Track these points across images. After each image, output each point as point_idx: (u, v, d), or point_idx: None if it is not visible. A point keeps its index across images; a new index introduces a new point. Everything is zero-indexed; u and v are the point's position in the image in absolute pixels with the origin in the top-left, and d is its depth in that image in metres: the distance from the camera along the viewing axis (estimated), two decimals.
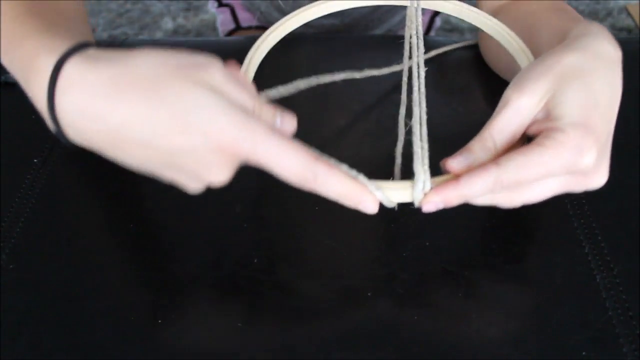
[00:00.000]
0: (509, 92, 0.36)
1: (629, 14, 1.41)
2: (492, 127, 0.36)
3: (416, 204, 0.36)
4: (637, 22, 1.36)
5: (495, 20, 0.48)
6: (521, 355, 0.37)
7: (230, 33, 0.89)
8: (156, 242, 0.44)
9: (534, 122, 0.36)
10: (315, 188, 0.34)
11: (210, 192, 0.46)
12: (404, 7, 0.83)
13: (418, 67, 0.41)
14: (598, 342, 0.37)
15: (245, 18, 0.88)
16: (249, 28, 0.89)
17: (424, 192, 0.35)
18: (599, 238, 0.43)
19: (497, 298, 0.40)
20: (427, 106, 0.55)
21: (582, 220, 0.44)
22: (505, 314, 0.38)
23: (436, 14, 0.91)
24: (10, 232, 0.45)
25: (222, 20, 0.90)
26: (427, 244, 0.43)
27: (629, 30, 1.63)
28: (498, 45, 0.55)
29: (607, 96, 0.36)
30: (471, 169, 0.34)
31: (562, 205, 0.45)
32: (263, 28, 0.84)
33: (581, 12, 1.66)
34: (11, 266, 0.42)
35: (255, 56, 0.48)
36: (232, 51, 0.63)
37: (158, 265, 0.42)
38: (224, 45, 0.66)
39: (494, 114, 0.36)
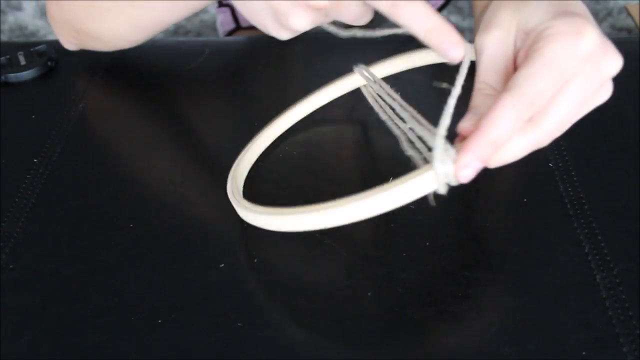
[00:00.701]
0: (477, 39, 0.36)
1: (629, 14, 1.41)
2: (481, 74, 0.35)
3: (451, 180, 0.32)
4: (637, 22, 1.36)
5: None
6: (521, 355, 0.37)
7: (230, 33, 0.89)
8: (156, 242, 0.44)
9: (519, 52, 0.35)
10: (400, 11, 0.33)
11: (209, 192, 0.46)
12: None
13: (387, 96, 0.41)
14: (598, 342, 0.37)
15: (246, 18, 0.88)
16: (250, 28, 0.89)
17: (452, 161, 0.31)
18: (599, 238, 0.43)
19: (497, 298, 0.40)
20: (426, 105, 0.55)
21: (582, 220, 0.44)
22: (505, 314, 0.38)
23: None
24: (10, 232, 0.45)
25: (222, 20, 0.90)
26: (427, 244, 0.43)
27: (629, 31, 1.63)
28: None
29: None
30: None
31: (562, 205, 0.45)
32: None
33: None
34: (11, 266, 0.42)
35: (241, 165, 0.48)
36: (232, 51, 0.63)
37: (158, 265, 0.42)
38: (224, 45, 0.66)
39: (476, 63, 0.35)
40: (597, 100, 0.36)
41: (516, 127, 0.32)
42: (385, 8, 0.33)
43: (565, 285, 0.40)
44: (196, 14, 1.68)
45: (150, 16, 0.51)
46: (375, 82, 0.48)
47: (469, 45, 0.34)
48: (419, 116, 0.38)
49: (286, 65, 0.61)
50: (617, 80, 0.57)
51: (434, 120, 0.37)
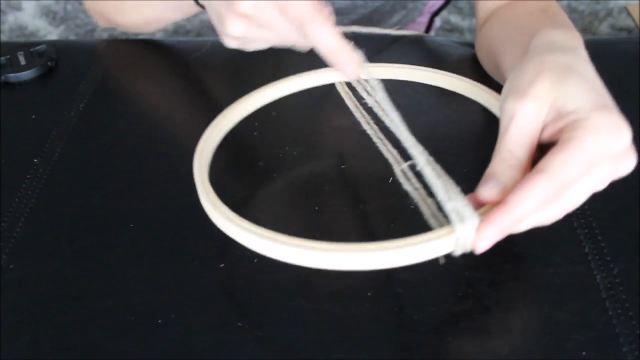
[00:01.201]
0: (510, 103, 0.35)
1: (629, 14, 1.41)
2: (508, 143, 0.35)
3: (467, 248, 0.32)
4: (637, 22, 1.36)
5: (456, 76, 0.48)
6: (521, 355, 0.37)
7: None
8: (156, 242, 0.44)
9: (545, 127, 0.35)
10: (307, 31, 0.38)
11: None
12: (404, 8, 0.83)
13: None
14: (598, 342, 0.37)
15: None
16: None
17: (474, 229, 0.31)
18: (599, 238, 0.43)
19: (497, 298, 0.40)
20: (426, 106, 0.55)
21: (582, 220, 0.44)
22: (505, 314, 0.38)
23: (435, 14, 0.91)
24: (10, 232, 0.45)
25: None
26: None
27: (629, 30, 1.63)
28: (489, 48, 0.55)
29: (595, 78, 0.36)
30: (506, 193, 0.33)
31: None
32: None
33: (581, 12, 1.66)
34: (11, 266, 0.42)
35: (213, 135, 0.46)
36: (232, 51, 0.63)
37: (158, 265, 0.42)
38: (224, 45, 0.66)
39: (503, 129, 0.35)
40: (598, 189, 0.36)
41: (542, 205, 0.32)
42: (296, 24, 0.38)
43: (565, 285, 0.40)
44: (196, 14, 1.68)
45: (157, 15, 0.62)
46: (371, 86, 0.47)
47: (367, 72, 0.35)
48: (420, 148, 0.36)
49: (287, 65, 0.61)
50: (617, 79, 0.57)
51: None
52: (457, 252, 0.32)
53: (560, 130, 0.34)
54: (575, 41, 0.39)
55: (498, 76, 0.53)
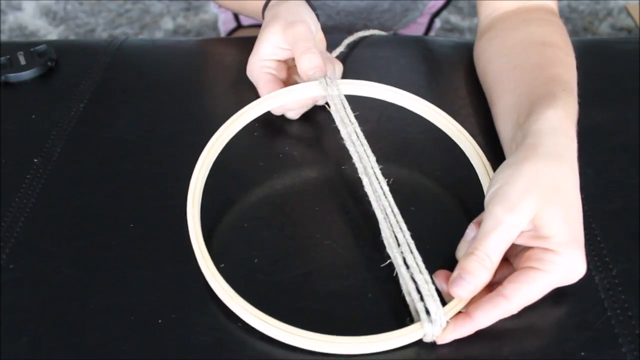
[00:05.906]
0: (498, 211, 0.38)
1: (629, 14, 1.41)
2: (488, 247, 0.38)
3: (433, 339, 0.38)
4: (637, 22, 1.36)
5: (450, 120, 0.48)
6: (521, 355, 0.37)
7: (231, 32, 0.90)
8: (156, 242, 0.44)
9: (521, 233, 0.39)
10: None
11: (210, 192, 0.46)
12: (405, 9, 0.83)
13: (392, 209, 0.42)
14: (597, 342, 0.37)
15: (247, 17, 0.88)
16: (251, 26, 0.89)
17: (440, 329, 0.37)
18: (598, 239, 0.43)
19: None
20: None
21: None
22: None
23: (435, 15, 0.91)
24: (10, 232, 0.45)
25: (224, 19, 0.91)
26: (428, 247, 0.43)
27: (629, 31, 1.63)
28: (484, 71, 0.55)
29: (577, 201, 0.40)
30: (477, 292, 0.38)
31: None
32: None
33: (581, 12, 1.66)
34: (11, 266, 0.42)
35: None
36: (232, 51, 0.63)
37: (158, 265, 0.42)
38: (224, 44, 0.66)
39: (485, 230, 0.38)
40: None
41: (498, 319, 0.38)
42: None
43: (564, 286, 0.40)
44: (196, 14, 1.68)
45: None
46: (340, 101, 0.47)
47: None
48: (398, 215, 0.41)
49: None
50: (617, 80, 0.57)
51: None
52: (425, 340, 0.38)
53: (530, 248, 0.39)
54: (570, 131, 0.42)
55: (489, 103, 0.53)
